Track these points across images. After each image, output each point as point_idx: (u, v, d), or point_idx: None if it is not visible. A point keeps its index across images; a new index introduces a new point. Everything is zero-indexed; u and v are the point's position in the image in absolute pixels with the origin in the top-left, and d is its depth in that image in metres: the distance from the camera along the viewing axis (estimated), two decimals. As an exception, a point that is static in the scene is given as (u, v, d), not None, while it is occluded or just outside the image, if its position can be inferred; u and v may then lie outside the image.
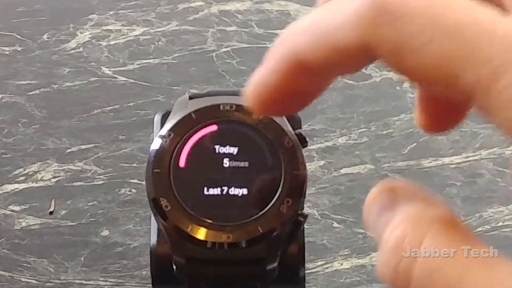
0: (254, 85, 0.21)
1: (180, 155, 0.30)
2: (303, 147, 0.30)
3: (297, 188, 0.29)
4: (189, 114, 0.30)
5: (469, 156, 1.48)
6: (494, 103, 0.18)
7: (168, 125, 0.30)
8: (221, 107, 0.30)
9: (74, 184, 1.42)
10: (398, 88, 1.61)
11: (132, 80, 1.64)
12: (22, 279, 1.27)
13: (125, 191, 1.41)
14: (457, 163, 1.46)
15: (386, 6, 0.18)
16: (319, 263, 1.28)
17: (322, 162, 1.46)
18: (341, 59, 0.20)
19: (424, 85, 0.20)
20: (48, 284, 1.26)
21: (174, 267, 0.29)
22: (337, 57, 0.20)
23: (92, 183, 1.42)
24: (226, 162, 0.30)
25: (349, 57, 0.20)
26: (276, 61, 0.21)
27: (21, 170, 1.45)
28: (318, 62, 0.20)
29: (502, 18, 0.18)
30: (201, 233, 0.28)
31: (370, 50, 0.19)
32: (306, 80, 0.21)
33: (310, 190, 1.36)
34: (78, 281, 1.26)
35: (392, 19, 0.18)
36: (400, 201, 0.20)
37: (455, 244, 0.18)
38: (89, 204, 1.39)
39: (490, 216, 1.36)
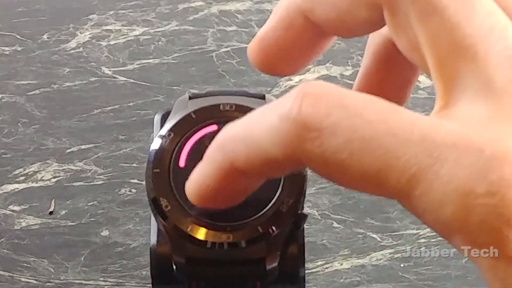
0: (194, 185, 0.23)
1: (180, 155, 0.30)
2: (303, 147, 0.30)
3: (297, 188, 0.29)
4: (189, 114, 0.30)
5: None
6: (415, 207, 0.19)
7: (168, 125, 0.30)
8: (221, 107, 0.30)
9: (74, 184, 1.42)
10: (398, 88, 1.61)
11: (132, 80, 1.64)
12: (22, 279, 1.27)
13: (125, 191, 1.41)
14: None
15: (306, 122, 0.19)
16: (319, 263, 1.28)
17: (322, 162, 1.46)
18: (272, 169, 0.21)
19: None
20: (48, 284, 1.26)
21: (174, 267, 0.29)
22: (267, 168, 0.21)
23: (92, 183, 1.42)
24: None
25: (279, 167, 0.20)
26: (213, 167, 0.22)
27: (21, 170, 1.45)
28: (251, 170, 0.21)
29: (421, 118, 0.19)
30: (201, 233, 0.28)
31: (298, 162, 0.20)
32: (242, 182, 0.22)
33: (310, 190, 1.36)
34: (78, 281, 1.26)
35: (314, 136, 0.19)
36: None
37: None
38: (89, 204, 1.39)
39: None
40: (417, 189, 0.18)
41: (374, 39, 0.26)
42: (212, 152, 0.22)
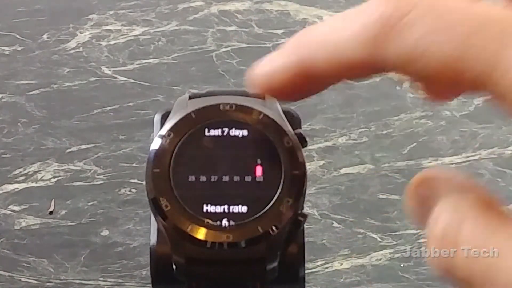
0: (262, 73, 0.24)
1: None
2: (303, 147, 0.30)
3: (297, 188, 0.29)
4: (189, 114, 0.30)
5: (469, 156, 1.48)
6: (495, 91, 0.19)
7: (168, 125, 0.30)
8: (221, 107, 0.30)
9: (74, 184, 1.42)
10: (398, 88, 1.61)
11: (132, 80, 1.64)
12: (22, 279, 1.27)
13: (125, 191, 1.41)
14: (457, 163, 1.46)
15: (390, 18, 0.20)
16: (319, 263, 1.28)
17: (322, 162, 1.46)
18: (350, 72, 0.22)
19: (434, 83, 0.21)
20: (48, 284, 1.26)
21: (174, 267, 0.29)
22: (346, 70, 0.21)
23: (92, 183, 1.42)
24: None
25: (358, 69, 0.21)
26: (287, 61, 0.23)
27: (21, 170, 1.45)
28: (327, 73, 0.22)
29: (495, 7, 0.20)
30: (201, 233, 0.28)
31: (378, 63, 0.20)
32: (311, 81, 0.23)
33: (310, 190, 1.36)
34: (78, 281, 1.26)
35: (396, 33, 0.20)
36: (440, 192, 0.22)
37: (493, 229, 0.20)
38: (89, 204, 1.39)
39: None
40: (497, 71, 0.19)
41: None
42: (288, 49, 0.22)
